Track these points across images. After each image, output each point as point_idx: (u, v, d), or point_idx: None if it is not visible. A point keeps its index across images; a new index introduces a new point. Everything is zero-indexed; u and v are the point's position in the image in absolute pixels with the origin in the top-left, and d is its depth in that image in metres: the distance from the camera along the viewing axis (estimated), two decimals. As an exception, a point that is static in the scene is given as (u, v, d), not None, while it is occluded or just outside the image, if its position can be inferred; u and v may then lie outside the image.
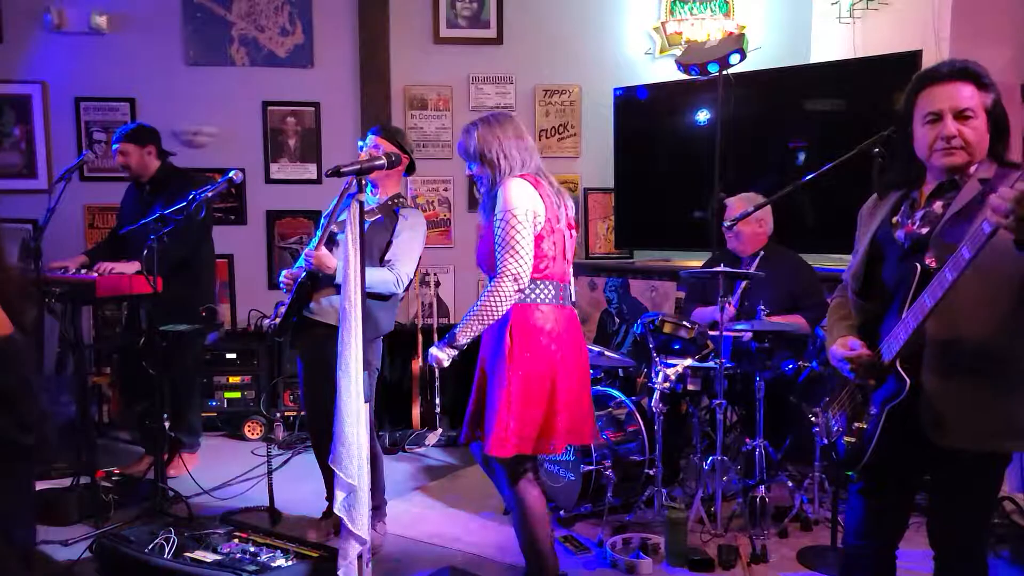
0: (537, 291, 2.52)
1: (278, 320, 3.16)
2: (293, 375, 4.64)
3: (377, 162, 2.41)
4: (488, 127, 2.58)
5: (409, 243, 3.15)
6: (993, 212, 1.60)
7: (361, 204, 2.34)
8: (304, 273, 3.09)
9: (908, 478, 2.04)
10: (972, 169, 1.90)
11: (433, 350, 2.54)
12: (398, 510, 3.61)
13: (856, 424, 2.00)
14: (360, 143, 3.26)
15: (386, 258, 3.12)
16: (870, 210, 2.14)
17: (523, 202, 2.47)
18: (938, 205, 1.93)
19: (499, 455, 2.48)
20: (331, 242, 3.13)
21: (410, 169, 3.34)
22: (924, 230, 1.93)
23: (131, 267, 3.78)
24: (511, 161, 2.56)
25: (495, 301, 2.44)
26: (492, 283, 2.45)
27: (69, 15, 4.98)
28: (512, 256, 2.43)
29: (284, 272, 3.19)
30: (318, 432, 3.33)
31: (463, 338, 2.50)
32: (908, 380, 1.86)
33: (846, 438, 2.03)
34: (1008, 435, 1.85)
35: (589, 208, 5.41)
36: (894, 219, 2.01)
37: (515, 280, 2.44)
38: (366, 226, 3.05)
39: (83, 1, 5.00)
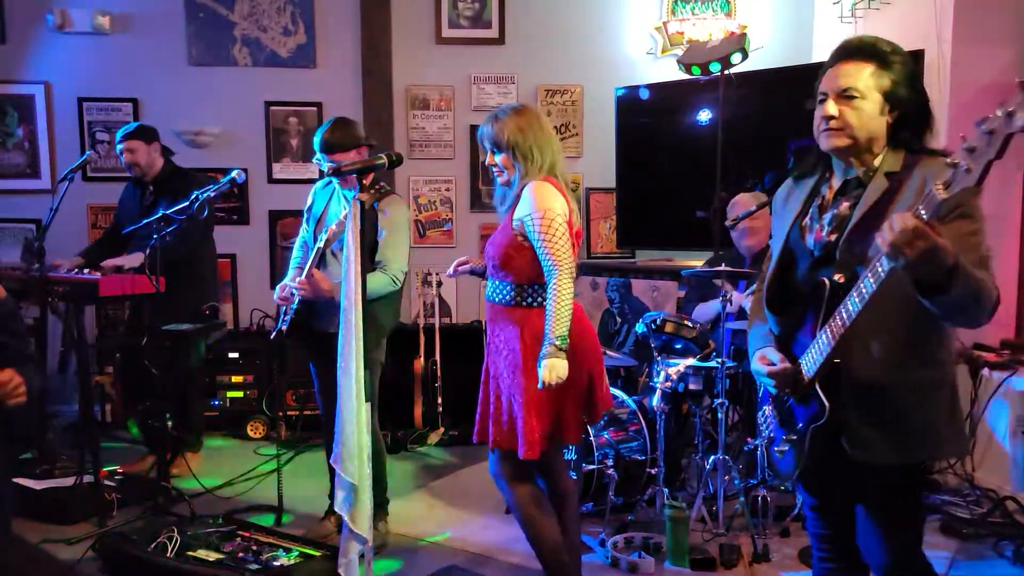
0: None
1: (285, 327, 3.16)
2: (295, 374, 4.65)
3: (378, 162, 2.39)
4: (524, 119, 2.52)
5: (395, 239, 3.12)
6: (883, 245, 1.52)
7: (362, 203, 2.34)
8: (296, 303, 3.09)
9: (851, 493, 1.92)
10: (876, 161, 1.79)
11: (550, 363, 2.40)
12: (400, 509, 3.61)
13: (786, 435, 1.93)
14: (319, 160, 3.12)
15: (376, 259, 3.09)
16: (784, 199, 2.03)
17: (558, 205, 2.47)
18: (845, 206, 1.82)
19: (531, 458, 2.50)
20: (319, 263, 3.10)
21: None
22: (832, 236, 1.82)
23: (135, 259, 3.80)
24: (544, 159, 2.51)
25: (567, 297, 2.43)
26: (554, 281, 2.42)
27: (72, 15, 4.98)
28: (564, 251, 2.44)
29: (278, 288, 3.18)
30: (330, 432, 3.34)
31: (562, 333, 2.42)
32: (827, 404, 1.77)
33: (777, 448, 1.97)
34: (920, 447, 1.80)
35: (591, 208, 5.41)
36: (804, 221, 1.91)
37: (571, 274, 2.47)
38: (348, 231, 3.05)
39: (86, 1, 5.01)
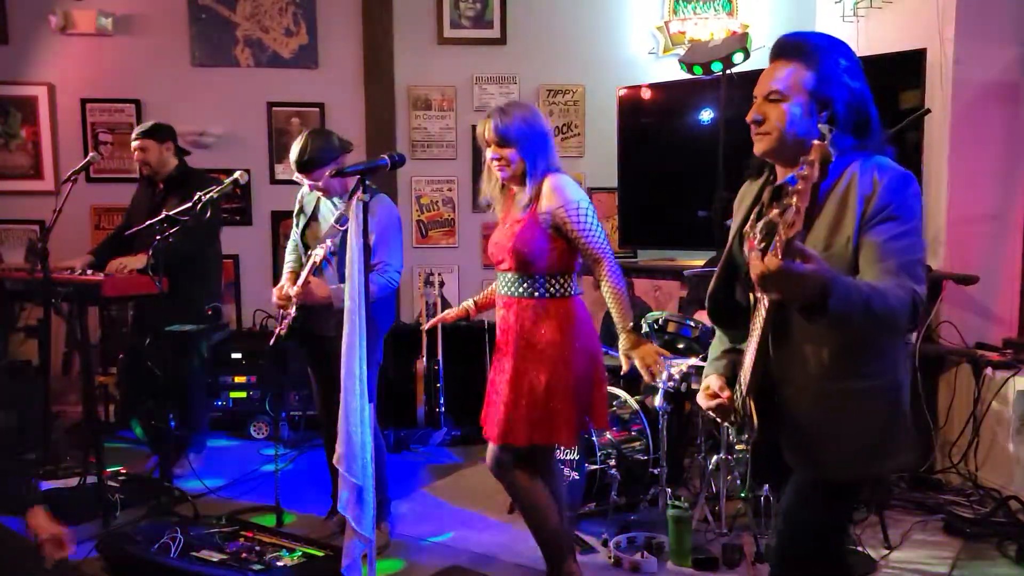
0: (574, 284, 2.66)
1: (283, 331, 3.17)
2: (298, 375, 4.65)
3: (379, 162, 2.39)
4: (530, 114, 2.58)
5: (386, 239, 3.10)
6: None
7: (366, 205, 2.35)
8: (294, 308, 3.09)
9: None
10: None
11: (642, 352, 2.53)
12: (403, 509, 3.62)
13: (739, 447, 1.94)
14: (299, 178, 3.13)
15: (372, 261, 3.08)
16: (739, 201, 1.96)
17: (584, 195, 2.59)
18: (774, 213, 1.73)
19: (573, 447, 2.67)
20: (315, 269, 3.10)
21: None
22: (763, 245, 1.75)
23: (140, 260, 3.81)
24: (551, 153, 2.60)
25: (622, 282, 2.59)
26: (606, 271, 2.56)
27: (75, 17, 4.99)
28: (604, 238, 2.57)
29: (275, 292, 3.19)
30: (330, 431, 3.35)
31: (631, 318, 2.57)
32: (756, 422, 1.74)
33: (733, 459, 1.96)
34: (847, 463, 1.74)
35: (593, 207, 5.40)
36: (747, 228, 1.86)
37: (615, 259, 2.60)
38: (340, 236, 3.05)
39: (89, 3, 5.01)
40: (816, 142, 1.40)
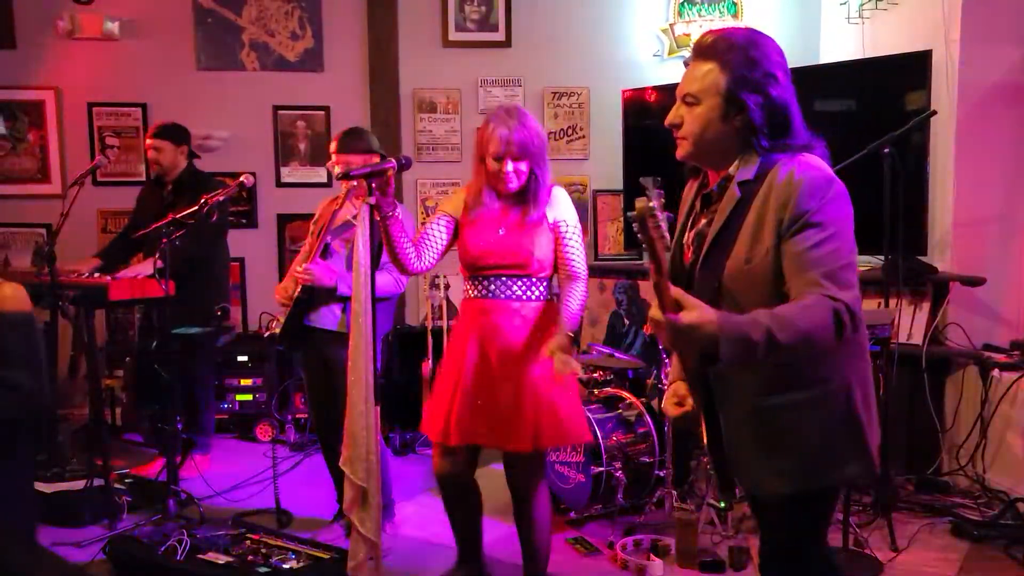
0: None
1: (278, 330, 3.18)
2: (302, 378, 4.66)
3: (388, 165, 2.38)
4: (536, 121, 2.61)
5: None
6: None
7: (372, 208, 2.35)
8: (300, 288, 3.10)
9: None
10: (732, 168, 1.66)
11: (569, 361, 2.49)
12: (408, 511, 3.61)
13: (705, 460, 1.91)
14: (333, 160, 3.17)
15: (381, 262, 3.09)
16: (683, 202, 1.88)
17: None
18: (703, 223, 1.72)
19: (590, 440, 2.86)
20: (324, 253, 3.13)
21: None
22: (691, 257, 1.72)
23: (147, 267, 3.82)
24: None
25: (583, 300, 2.63)
26: (581, 287, 2.62)
27: (82, 21, 5.02)
28: (585, 262, 2.66)
29: (277, 288, 3.20)
30: (325, 435, 3.36)
31: (574, 330, 2.60)
32: (705, 437, 1.69)
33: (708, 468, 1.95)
34: (793, 474, 1.68)
35: (598, 210, 5.41)
36: (685, 238, 1.79)
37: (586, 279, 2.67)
38: (348, 232, 3.06)
39: (95, 7, 5.04)
40: (637, 200, 1.35)
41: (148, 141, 4.07)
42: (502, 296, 2.59)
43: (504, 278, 2.58)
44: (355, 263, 2.46)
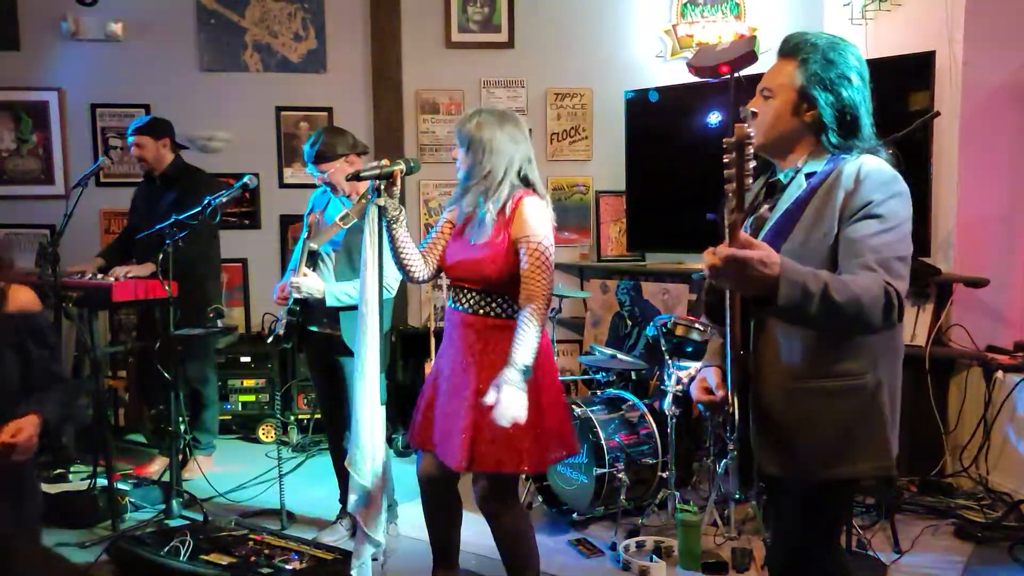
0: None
1: (281, 331, 3.16)
2: (306, 378, 4.66)
3: (396, 166, 2.36)
4: (499, 124, 2.41)
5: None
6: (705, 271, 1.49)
7: (380, 208, 2.35)
8: (291, 302, 3.09)
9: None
10: (800, 162, 1.75)
11: (515, 395, 2.25)
12: (410, 513, 3.61)
13: (731, 448, 1.92)
14: (310, 172, 3.16)
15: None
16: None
17: (550, 228, 2.44)
18: (764, 209, 1.80)
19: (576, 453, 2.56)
20: (313, 261, 3.11)
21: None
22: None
23: (146, 269, 3.82)
24: (512, 169, 2.42)
25: (541, 329, 2.35)
26: (539, 311, 2.33)
27: (85, 23, 5.02)
28: (550, 284, 2.38)
29: (277, 287, 3.19)
30: (332, 435, 3.37)
31: (529, 363, 2.31)
32: (738, 417, 1.75)
33: (728, 460, 1.96)
34: (816, 463, 1.72)
35: (601, 211, 5.41)
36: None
37: (549, 305, 2.42)
38: (342, 235, 3.05)
39: (99, 9, 5.05)
40: (737, 124, 1.42)
41: (129, 140, 4.07)
42: (461, 309, 2.49)
43: (467, 291, 2.47)
44: (363, 263, 2.45)
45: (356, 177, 2.36)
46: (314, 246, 3.06)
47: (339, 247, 3.12)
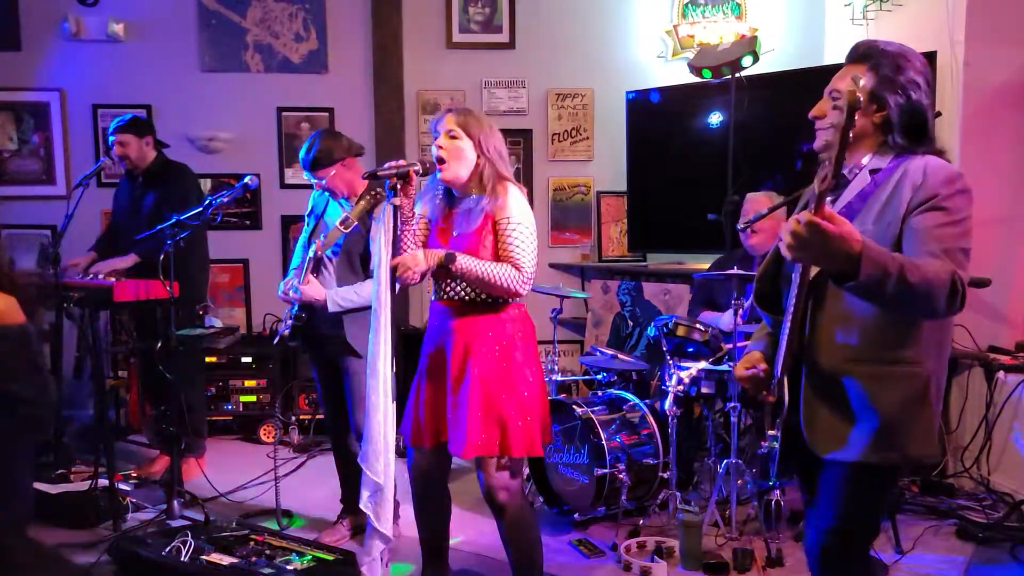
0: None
1: (287, 332, 3.16)
2: (308, 379, 4.67)
3: (414, 167, 2.36)
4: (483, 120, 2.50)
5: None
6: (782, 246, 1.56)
7: (395, 208, 2.35)
8: (296, 307, 3.08)
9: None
10: (864, 160, 1.83)
11: (424, 257, 2.36)
12: (411, 512, 3.61)
13: (769, 431, 1.95)
14: (308, 178, 3.16)
15: (371, 268, 3.07)
16: (804, 201, 2.03)
17: (531, 214, 2.50)
18: (828, 203, 1.82)
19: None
20: (317, 267, 3.11)
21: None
22: None
23: (127, 261, 3.84)
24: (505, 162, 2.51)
25: (505, 284, 2.39)
26: (516, 274, 2.39)
27: (86, 23, 5.03)
28: (532, 264, 2.43)
29: (282, 285, 3.18)
30: (336, 435, 3.37)
31: (463, 271, 2.38)
32: (787, 398, 1.82)
33: (765, 444, 1.99)
34: (873, 445, 1.76)
35: (602, 211, 5.41)
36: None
37: (527, 284, 2.45)
38: (343, 239, 3.05)
39: (100, 9, 5.05)
40: (847, 88, 1.48)
41: (111, 138, 4.05)
42: (449, 299, 2.53)
43: (454, 281, 2.51)
44: (375, 263, 2.46)
45: (373, 176, 2.36)
46: (319, 253, 3.05)
47: (339, 250, 3.12)
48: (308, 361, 4.35)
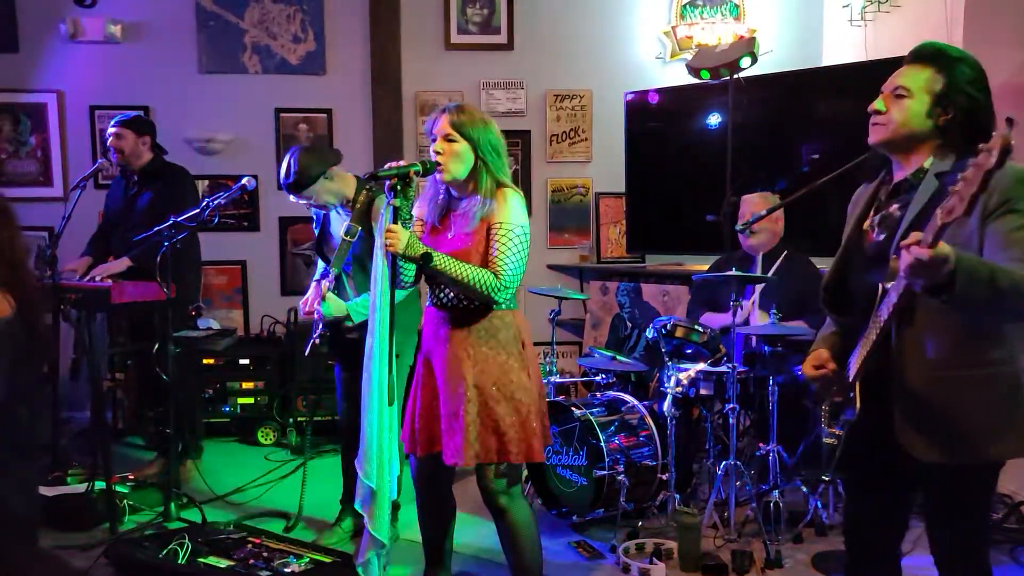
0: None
1: (316, 341, 3.12)
2: (306, 380, 4.65)
3: (414, 168, 2.35)
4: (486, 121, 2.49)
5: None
6: (900, 269, 1.59)
7: (396, 209, 2.35)
8: (322, 327, 3.04)
9: (886, 487, 2.01)
10: (926, 163, 1.85)
11: (405, 236, 2.31)
12: (412, 514, 3.60)
13: (831, 430, 1.98)
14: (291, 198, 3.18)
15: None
16: (854, 202, 2.09)
17: (526, 219, 2.47)
18: (895, 208, 1.88)
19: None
20: (337, 282, 3.10)
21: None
22: (882, 237, 1.88)
23: (120, 264, 3.83)
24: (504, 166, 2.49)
25: (479, 289, 2.36)
26: (492, 281, 2.36)
27: (84, 24, 5.02)
28: (514, 272, 2.39)
29: (302, 303, 3.12)
30: (349, 435, 3.35)
31: (439, 270, 2.34)
32: (859, 406, 1.85)
33: (826, 440, 2.02)
34: (967, 448, 1.80)
35: (601, 212, 5.40)
36: (865, 224, 1.97)
37: (504, 292, 2.40)
38: (352, 249, 3.04)
39: (98, 11, 5.04)
40: (997, 132, 1.51)
41: (110, 131, 4.04)
42: (446, 303, 2.49)
43: (444, 285, 2.49)
44: (374, 265, 2.45)
45: (374, 178, 2.35)
46: (336, 270, 3.04)
47: (351, 262, 3.12)
48: (310, 363, 4.36)
